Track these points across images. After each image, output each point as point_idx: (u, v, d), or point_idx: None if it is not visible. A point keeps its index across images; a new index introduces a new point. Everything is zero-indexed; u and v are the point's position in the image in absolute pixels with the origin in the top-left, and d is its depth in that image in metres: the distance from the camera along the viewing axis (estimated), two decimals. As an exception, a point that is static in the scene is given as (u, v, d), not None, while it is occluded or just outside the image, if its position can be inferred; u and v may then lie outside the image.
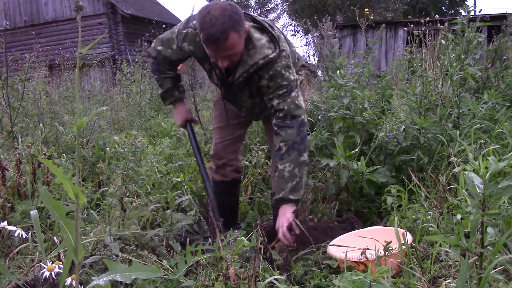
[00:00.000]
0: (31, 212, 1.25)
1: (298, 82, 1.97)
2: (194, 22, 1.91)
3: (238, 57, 1.85)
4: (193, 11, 5.41)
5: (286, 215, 1.85)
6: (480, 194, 1.17)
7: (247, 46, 1.86)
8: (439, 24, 3.02)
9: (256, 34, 1.87)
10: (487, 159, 1.19)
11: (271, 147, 2.26)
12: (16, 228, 1.41)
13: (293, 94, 1.90)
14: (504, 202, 1.49)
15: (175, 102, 2.30)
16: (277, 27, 2.07)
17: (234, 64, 1.89)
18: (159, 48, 2.13)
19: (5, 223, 1.46)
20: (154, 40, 2.20)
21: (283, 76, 1.88)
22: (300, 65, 2.27)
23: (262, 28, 1.90)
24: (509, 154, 1.31)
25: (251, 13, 2.00)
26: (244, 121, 2.35)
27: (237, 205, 2.47)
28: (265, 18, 2.13)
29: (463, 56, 2.83)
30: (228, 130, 2.28)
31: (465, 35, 2.90)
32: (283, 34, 2.08)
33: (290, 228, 1.83)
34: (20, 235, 1.40)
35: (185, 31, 1.99)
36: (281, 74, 1.88)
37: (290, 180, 1.85)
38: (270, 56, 1.86)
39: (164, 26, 5.86)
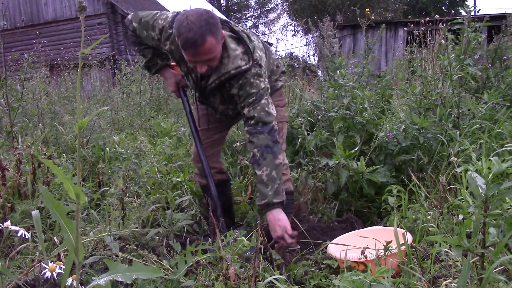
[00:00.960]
0: (33, 212, 1.25)
1: (269, 90, 1.99)
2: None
3: (216, 62, 1.88)
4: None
5: (279, 222, 1.84)
6: (483, 195, 1.17)
7: (221, 54, 1.90)
8: (440, 23, 3.02)
9: (232, 44, 1.92)
10: (490, 159, 1.19)
11: None
12: (19, 228, 1.41)
13: (263, 101, 1.93)
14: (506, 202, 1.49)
15: (160, 70, 2.27)
16: (257, 37, 2.11)
17: (211, 70, 1.93)
18: (135, 25, 2.13)
19: (8, 222, 1.46)
20: (132, 13, 2.19)
21: (252, 85, 1.92)
22: (280, 72, 2.30)
23: (238, 38, 1.95)
24: None
25: (231, 22, 2.04)
26: (224, 124, 2.36)
27: (231, 204, 2.47)
28: (245, 27, 2.17)
29: (462, 56, 2.83)
30: (206, 133, 2.30)
31: (465, 35, 2.90)
32: (263, 42, 2.13)
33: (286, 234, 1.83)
34: (23, 235, 1.40)
35: (170, 31, 2.00)
36: (250, 83, 1.92)
37: (270, 184, 1.86)
38: (243, 67, 1.91)
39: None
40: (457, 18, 2.97)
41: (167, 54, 2.14)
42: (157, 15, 2.09)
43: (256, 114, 1.90)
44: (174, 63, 2.27)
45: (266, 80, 1.98)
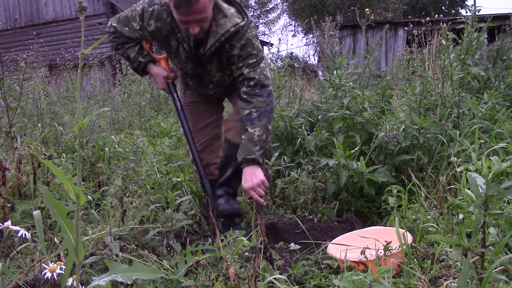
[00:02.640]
0: (34, 212, 1.25)
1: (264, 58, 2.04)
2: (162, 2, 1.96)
3: (207, 23, 1.88)
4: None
5: (257, 175, 1.94)
6: (483, 194, 1.17)
7: (216, 16, 1.90)
8: (442, 23, 3.01)
9: (225, 4, 1.93)
10: (490, 159, 1.19)
11: (233, 110, 2.29)
12: (20, 228, 1.41)
13: (262, 64, 1.98)
14: (504, 201, 1.49)
15: (147, 67, 2.23)
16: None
17: (204, 35, 1.92)
18: (114, 25, 2.12)
19: (9, 222, 1.46)
20: (111, 19, 2.19)
21: (253, 46, 1.96)
22: None
23: (229, 1, 1.97)
24: None
25: None
26: (216, 118, 2.37)
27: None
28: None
29: (462, 57, 2.83)
30: (202, 132, 2.31)
31: (465, 35, 2.90)
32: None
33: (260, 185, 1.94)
34: (24, 235, 1.40)
35: (151, 9, 1.99)
36: (251, 43, 1.95)
37: (259, 144, 1.94)
38: (240, 24, 1.93)
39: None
40: (460, 18, 2.96)
41: (153, 38, 2.10)
42: (133, 6, 2.09)
43: (256, 76, 1.94)
44: (161, 57, 2.24)
45: (259, 41, 2.02)
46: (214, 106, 2.40)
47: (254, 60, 1.96)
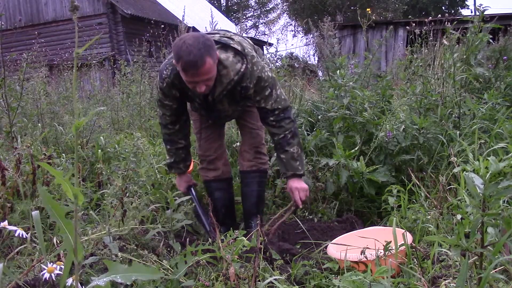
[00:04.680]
0: (33, 213, 1.25)
1: (274, 77, 2.17)
2: (168, 70, 2.10)
3: (213, 81, 2.00)
4: (184, 12, 5.41)
5: (302, 184, 2.24)
6: (480, 194, 1.17)
7: (218, 69, 2.02)
8: (446, 23, 3.00)
9: (222, 55, 2.04)
10: (487, 159, 1.19)
11: (242, 135, 2.52)
12: (17, 228, 1.41)
13: (278, 91, 2.15)
14: (504, 201, 1.49)
15: (178, 173, 2.41)
16: (233, 33, 2.27)
17: (210, 89, 2.05)
18: (161, 111, 2.25)
19: (6, 222, 1.46)
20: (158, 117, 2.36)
21: (264, 78, 2.09)
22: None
23: (224, 46, 2.06)
24: (510, 155, 1.31)
25: (209, 35, 2.15)
26: (221, 122, 2.55)
27: (232, 204, 2.53)
28: (219, 29, 2.38)
29: (464, 56, 2.82)
30: (211, 128, 2.44)
31: (469, 35, 2.89)
32: (239, 35, 2.29)
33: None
34: (21, 235, 1.40)
35: (165, 85, 2.12)
36: (261, 78, 2.08)
37: (299, 160, 2.22)
38: (242, 69, 2.05)
39: (163, 26, 5.84)
40: (466, 17, 2.95)
41: (180, 96, 2.21)
42: (158, 92, 2.23)
43: (279, 106, 2.14)
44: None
45: (266, 66, 2.13)
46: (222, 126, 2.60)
47: (269, 90, 2.11)
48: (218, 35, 2.13)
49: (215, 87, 2.07)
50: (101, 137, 3.26)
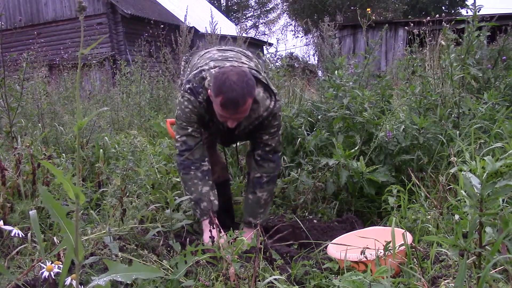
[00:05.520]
0: (30, 212, 1.25)
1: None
2: (204, 94, 2.01)
3: (243, 117, 1.98)
4: (187, 11, 5.40)
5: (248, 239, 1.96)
6: (478, 194, 1.17)
7: None
8: (444, 23, 3.00)
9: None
10: (484, 159, 1.19)
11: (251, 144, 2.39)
12: (12, 228, 1.41)
13: (279, 132, 2.16)
14: (504, 201, 1.49)
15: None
16: (255, 58, 2.28)
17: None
18: (187, 129, 2.08)
19: (1, 222, 1.46)
20: (176, 144, 2.17)
21: (278, 119, 2.11)
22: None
23: (256, 80, 2.01)
24: (506, 154, 1.31)
25: (222, 51, 2.18)
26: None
27: (231, 205, 2.53)
28: (230, 47, 2.36)
29: (462, 56, 2.82)
30: (209, 132, 2.38)
31: (466, 35, 2.89)
32: (257, 58, 2.31)
33: None
34: (17, 235, 1.40)
35: (203, 101, 2.03)
36: (277, 117, 2.11)
37: (264, 207, 2.19)
38: (271, 106, 2.05)
39: (163, 26, 5.84)
40: (462, 17, 2.95)
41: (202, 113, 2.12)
42: (177, 116, 2.11)
43: (273, 144, 2.13)
44: None
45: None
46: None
47: (276, 129, 2.12)
48: (234, 58, 2.12)
49: (242, 122, 2.05)
50: (106, 138, 3.26)
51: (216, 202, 2.08)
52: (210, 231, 1.84)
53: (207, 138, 2.38)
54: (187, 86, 2.05)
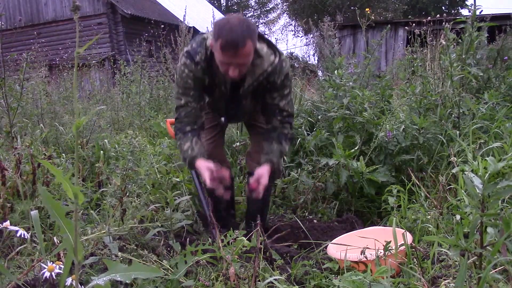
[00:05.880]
0: (32, 212, 1.25)
1: None
2: (201, 53, 1.99)
3: (246, 69, 1.94)
4: (185, 11, 5.40)
5: (265, 177, 1.99)
6: (479, 195, 1.17)
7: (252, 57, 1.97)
8: (444, 23, 3.00)
9: (258, 45, 1.97)
10: (485, 159, 1.19)
11: (253, 136, 2.44)
12: (18, 228, 1.41)
13: (292, 95, 2.14)
14: (504, 201, 1.49)
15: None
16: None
17: (241, 77, 1.98)
18: (182, 99, 2.08)
19: (8, 223, 1.46)
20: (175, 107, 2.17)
21: (289, 78, 2.08)
22: None
23: (259, 35, 2.00)
24: (509, 155, 1.31)
25: None
26: (234, 121, 2.52)
27: (233, 204, 2.52)
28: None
29: (463, 56, 2.82)
30: (215, 130, 2.36)
31: (466, 35, 2.89)
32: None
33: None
34: (22, 235, 1.40)
35: (200, 60, 2.01)
36: (288, 76, 2.07)
37: (281, 157, 2.14)
38: (276, 62, 2.01)
39: (163, 26, 5.84)
40: (460, 17, 2.95)
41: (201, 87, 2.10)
42: (177, 79, 2.09)
43: (289, 109, 2.12)
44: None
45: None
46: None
47: (288, 90, 2.09)
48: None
49: (246, 78, 2.01)
50: (106, 141, 3.25)
51: (198, 149, 2.06)
52: (207, 169, 1.89)
53: (214, 137, 2.36)
54: (185, 49, 2.05)
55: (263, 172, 1.99)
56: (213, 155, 2.31)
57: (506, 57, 3.62)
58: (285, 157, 3.02)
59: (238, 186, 2.83)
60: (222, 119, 2.29)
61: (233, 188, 2.54)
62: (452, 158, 1.90)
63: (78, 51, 0.78)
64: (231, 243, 1.58)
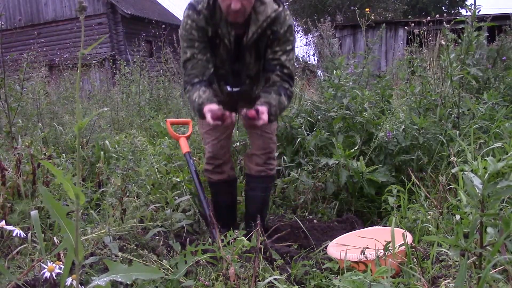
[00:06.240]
0: (31, 212, 1.25)
1: None
2: (204, 2, 1.98)
3: (248, 9, 1.93)
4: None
5: (266, 113, 1.89)
6: (479, 194, 1.17)
7: (254, 4, 1.96)
8: (444, 23, 3.00)
9: None
10: (485, 159, 1.19)
11: (252, 138, 2.32)
12: (14, 228, 1.41)
13: (293, 53, 2.08)
14: (503, 201, 1.49)
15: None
16: None
17: (243, 20, 1.97)
18: (187, 52, 2.05)
19: (3, 222, 1.46)
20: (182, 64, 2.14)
21: (292, 32, 2.05)
22: None
23: None
24: (508, 155, 1.31)
25: None
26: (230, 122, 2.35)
27: (235, 205, 2.48)
28: None
29: (462, 56, 2.82)
30: (221, 130, 2.28)
31: (465, 35, 2.90)
32: None
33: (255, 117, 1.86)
34: (19, 235, 1.40)
35: (203, 8, 1.99)
36: (291, 29, 2.05)
37: (278, 107, 1.99)
38: (279, 9, 2.01)
39: (163, 26, 5.85)
40: (460, 17, 2.95)
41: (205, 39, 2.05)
42: (181, 33, 2.07)
43: (291, 67, 2.06)
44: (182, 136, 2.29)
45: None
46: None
47: (290, 46, 2.04)
48: None
49: (249, 26, 1.99)
50: (107, 142, 3.24)
51: (206, 96, 1.99)
52: (209, 110, 1.84)
53: (220, 137, 2.29)
54: (189, 2, 2.05)
55: (263, 109, 1.88)
56: (218, 156, 2.29)
57: (504, 57, 3.62)
58: (285, 157, 3.02)
59: (238, 186, 2.83)
60: (227, 88, 2.19)
61: (237, 190, 2.52)
62: (452, 158, 1.90)
63: (82, 52, 0.78)
64: (231, 243, 1.58)
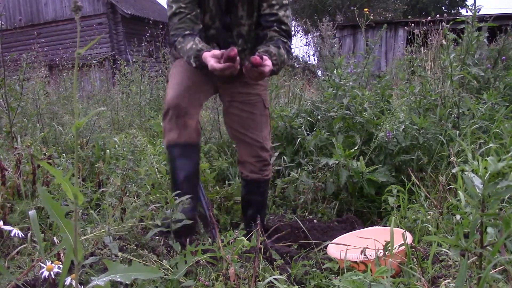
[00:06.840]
0: (29, 212, 1.25)
1: None
2: None
3: None
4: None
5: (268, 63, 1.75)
6: (480, 194, 1.17)
7: None
8: (444, 23, 3.01)
9: None
10: (485, 159, 1.19)
11: (240, 146, 2.17)
12: (12, 228, 1.41)
13: (290, 13, 1.97)
14: (503, 201, 1.49)
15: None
16: None
17: None
18: (173, 6, 1.92)
19: (1, 222, 1.46)
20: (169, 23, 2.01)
21: None
22: None
23: None
24: (509, 154, 1.31)
25: None
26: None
27: (197, 176, 2.16)
28: None
29: (462, 56, 2.82)
30: (195, 85, 2.01)
31: (465, 35, 2.90)
32: None
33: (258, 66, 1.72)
34: (17, 235, 1.40)
35: None
36: None
37: (278, 59, 1.87)
38: None
39: (162, 26, 5.85)
40: (460, 17, 2.95)
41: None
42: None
43: (288, 23, 1.94)
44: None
45: None
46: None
47: (287, 1, 1.94)
48: None
49: None
50: (116, 139, 3.24)
51: (203, 44, 1.85)
52: (212, 56, 1.69)
53: (192, 74, 2.01)
54: None
55: (265, 56, 1.74)
56: (183, 100, 1.96)
57: (504, 57, 3.62)
58: (285, 157, 3.02)
59: (238, 186, 2.83)
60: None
61: (199, 157, 2.22)
62: (452, 158, 1.90)
63: (79, 52, 0.78)
64: (231, 243, 1.58)
